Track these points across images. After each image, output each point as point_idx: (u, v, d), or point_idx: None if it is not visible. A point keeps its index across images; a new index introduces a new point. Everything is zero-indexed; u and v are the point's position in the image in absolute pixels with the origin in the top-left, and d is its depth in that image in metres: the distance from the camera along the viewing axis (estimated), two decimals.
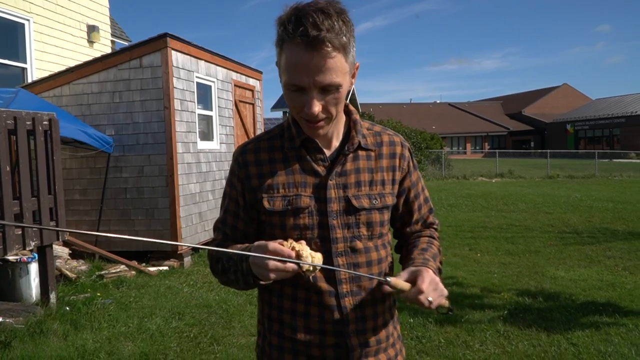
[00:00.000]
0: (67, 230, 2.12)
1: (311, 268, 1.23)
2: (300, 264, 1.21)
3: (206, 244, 1.46)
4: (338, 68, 1.24)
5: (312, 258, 1.23)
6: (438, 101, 72.14)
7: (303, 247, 1.23)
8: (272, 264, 1.20)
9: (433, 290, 1.28)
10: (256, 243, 1.28)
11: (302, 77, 1.24)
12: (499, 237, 8.98)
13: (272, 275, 1.22)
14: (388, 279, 1.27)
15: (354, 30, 1.29)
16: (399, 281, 1.29)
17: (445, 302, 1.33)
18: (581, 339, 4.25)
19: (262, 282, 1.31)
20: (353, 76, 1.34)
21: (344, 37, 1.23)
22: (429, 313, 4.90)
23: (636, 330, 4.39)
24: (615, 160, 36.61)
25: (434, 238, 1.55)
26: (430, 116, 59.80)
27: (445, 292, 1.31)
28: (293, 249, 1.21)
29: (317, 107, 1.26)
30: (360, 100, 38.18)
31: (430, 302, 1.26)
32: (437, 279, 1.32)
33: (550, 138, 55.46)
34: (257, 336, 1.56)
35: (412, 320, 4.71)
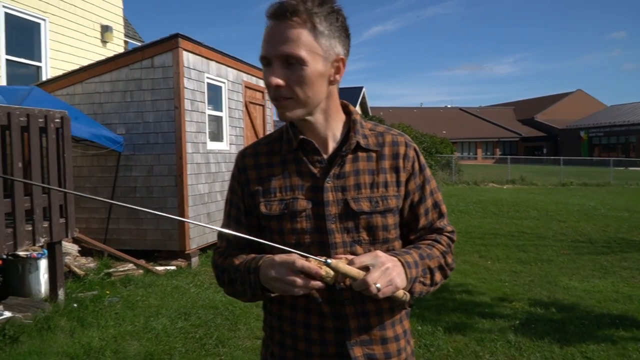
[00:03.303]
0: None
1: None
2: (325, 281, 1.18)
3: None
4: (301, 41, 1.21)
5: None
6: (449, 106, 71.86)
7: (336, 266, 1.18)
8: (300, 282, 1.17)
9: (382, 276, 1.18)
10: (278, 258, 1.22)
11: (266, 46, 1.24)
12: (510, 244, 8.86)
13: (300, 292, 1.19)
14: (329, 260, 1.16)
15: (342, 22, 1.27)
16: (344, 265, 1.17)
17: (400, 294, 1.23)
18: (596, 353, 4.13)
19: (271, 294, 1.28)
20: (337, 71, 1.30)
21: (314, 16, 1.21)
22: (438, 320, 4.83)
23: None
24: (631, 168, 36.10)
25: (437, 242, 1.39)
26: (441, 121, 59.49)
27: (396, 282, 1.20)
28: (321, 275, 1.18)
29: (276, 78, 1.22)
30: (370, 103, 38.19)
31: (378, 290, 1.16)
32: (391, 264, 1.20)
33: (563, 145, 54.90)
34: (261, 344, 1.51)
35: (420, 328, 4.64)
